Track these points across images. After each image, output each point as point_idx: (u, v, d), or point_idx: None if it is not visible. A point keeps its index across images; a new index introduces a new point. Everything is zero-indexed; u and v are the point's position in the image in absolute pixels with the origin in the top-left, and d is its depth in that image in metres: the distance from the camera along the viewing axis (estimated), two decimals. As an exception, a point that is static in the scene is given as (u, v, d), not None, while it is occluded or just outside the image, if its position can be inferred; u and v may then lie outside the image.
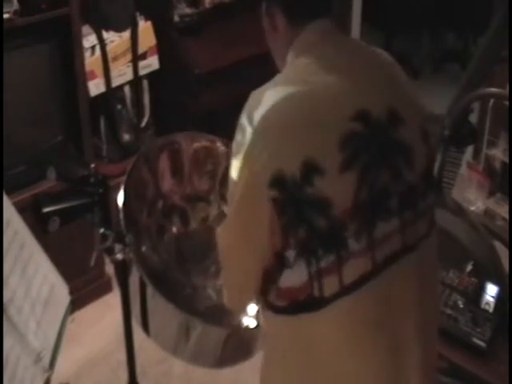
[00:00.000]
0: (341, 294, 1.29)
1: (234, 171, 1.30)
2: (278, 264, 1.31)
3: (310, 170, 1.24)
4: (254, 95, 1.32)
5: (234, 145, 1.31)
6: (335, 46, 1.38)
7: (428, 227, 1.40)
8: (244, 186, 1.29)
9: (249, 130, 1.28)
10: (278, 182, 1.24)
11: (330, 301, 1.29)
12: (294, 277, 1.29)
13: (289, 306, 1.33)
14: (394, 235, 1.32)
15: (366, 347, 1.34)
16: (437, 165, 2.03)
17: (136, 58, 3.28)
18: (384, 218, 1.30)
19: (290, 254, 1.27)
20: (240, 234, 1.34)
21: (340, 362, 1.35)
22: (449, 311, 1.86)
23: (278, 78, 1.35)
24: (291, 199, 1.25)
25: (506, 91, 2.34)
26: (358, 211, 1.27)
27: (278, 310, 1.36)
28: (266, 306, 1.38)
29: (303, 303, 1.31)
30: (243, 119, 1.30)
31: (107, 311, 2.97)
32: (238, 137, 1.30)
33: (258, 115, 1.28)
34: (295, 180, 1.23)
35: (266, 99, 1.30)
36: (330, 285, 1.28)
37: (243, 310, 1.51)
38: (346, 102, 1.30)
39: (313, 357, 1.36)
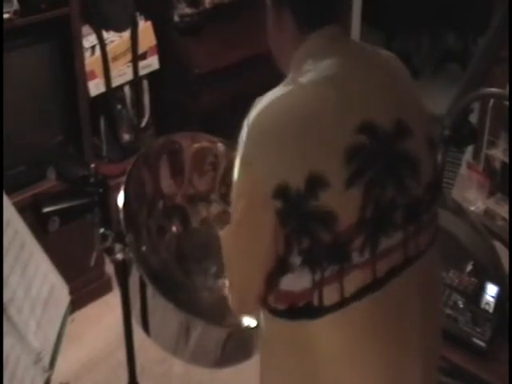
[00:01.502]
0: (340, 304, 1.28)
1: (236, 172, 1.29)
2: (281, 267, 1.30)
3: (315, 183, 1.22)
4: (258, 99, 1.31)
5: (238, 146, 1.30)
6: (343, 53, 1.34)
7: (432, 237, 1.39)
8: (248, 194, 1.27)
9: (245, 130, 1.27)
10: (281, 193, 1.22)
11: (329, 310, 1.28)
12: (295, 282, 1.29)
13: (287, 310, 1.32)
14: (397, 249, 1.30)
15: (364, 358, 1.33)
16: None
17: (136, 58, 3.28)
18: (388, 232, 1.28)
19: (295, 260, 1.26)
20: (244, 239, 1.33)
21: (337, 370, 1.34)
22: (449, 311, 1.86)
23: (283, 82, 1.33)
24: (295, 211, 1.23)
25: (506, 91, 2.34)
26: (363, 226, 1.25)
27: (276, 313, 1.35)
28: (266, 308, 1.38)
29: (302, 310, 1.30)
30: (245, 120, 1.29)
31: (107, 311, 2.97)
32: (239, 138, 1.30)
33: (253, 113, 1.27)
34: (300, 192, 1.22)
35: (264, 98, 1.29)
36: (331, 295, 1.27)
37: (248, 314, 1.49)
38: (352, 112, 1.27)
39: (310, 363, 1.35)
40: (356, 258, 1.26)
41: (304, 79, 1.30)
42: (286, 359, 1.39)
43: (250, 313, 1.47)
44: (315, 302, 1.28)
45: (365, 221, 1.25)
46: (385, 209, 1.27)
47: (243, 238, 1.33)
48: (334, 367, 1.33)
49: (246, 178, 1.27)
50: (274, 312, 1.35)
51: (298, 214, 1.23)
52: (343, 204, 1.24)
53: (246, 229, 1.31)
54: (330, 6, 1.35)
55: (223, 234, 1.38)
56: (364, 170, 1.24)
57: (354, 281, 1.27)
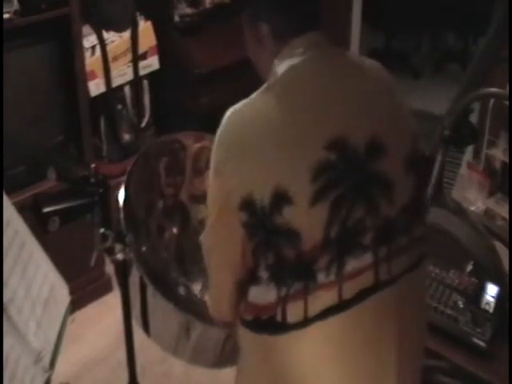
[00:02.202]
0: (304, 323, 1.26)
1: (210, 179, 1.30)
2: (250, 279, 1.30)
3: (280, 198, 1.20)
4: (231, 108, 1.30)
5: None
6: (320, 64, 1.30)
7: (413, 262, 1.34)
8: (219, 206, 1.28)
9: (216, 137, 1.28)
10: (247, 205, 1.22)
11: (292, 328, 1.27)
12: (261, 294, 1.29)
13: (253, 321, 1.33)
14: (366, 271, 1.26)
15: (329, 375, 1.30)
16: (437, 165, 2.03)
17: (136, 57, 3.28)
18: (355, 253, 1.25)
19: (263, 274, 1.27)
20: (216, 246, 1.34)
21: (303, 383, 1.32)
22: (449, 311, 1.86)
23: (258, 90, 1.30)
24: (260, 225, 1.22)
25: (506, 91, 2.33)
26: (328, 246, 1.22)
27: (244, 323, 1.36)
28: (237, 317, 1.39)
29: (265, 323, 1.30)
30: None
31: (107, 311, 2.97)
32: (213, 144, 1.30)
33: (224, 121, 1.28)
34: (264, 206, 1.20)
35: (235, 106, 1.29)
36: (294, 312, 1.26)
37: (225, 320, 1.46)
38: (322, 127, 1.23)
39: (277, 373, 1.34)
40: (321, 277, 1.24)
41: (276, 87, 1.28)
42: (256, 367, 1.40)
43: (226, 319, 1.44)
44: (278, 317, 1.27)
45: (330, 241, 1.22)
46: (352, 229, 1.23)
47: (215, 245, 1.34)
48: (300, 380, 1.31)
49: (217, 186, 1.28)
50: (242, 322, 1.36)
51: (262, 227, 1.22)
52: (307, 223, 1.21)
53: (218, 237, 1.32)
54: (307, 15, 1.33)
55: (201, 238, 1.39)
56: (330, 189, 1.21)
57: (318, 301, 1.25)
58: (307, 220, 1.21)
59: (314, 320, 1.26)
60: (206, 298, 1.49)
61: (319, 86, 1.27)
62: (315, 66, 1.29)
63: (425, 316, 1.53)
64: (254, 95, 1.30)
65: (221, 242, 1.32)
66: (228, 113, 1.29)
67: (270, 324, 1.29)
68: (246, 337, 1.39)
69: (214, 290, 1.42)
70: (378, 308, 1.30)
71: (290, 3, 1.32)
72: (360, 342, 1.30)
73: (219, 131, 1.29)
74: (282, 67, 1.30)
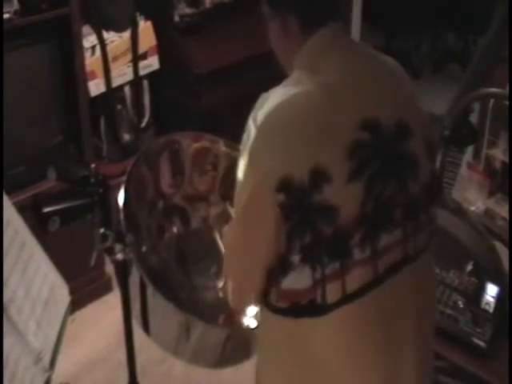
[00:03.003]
0: (343, 301, 1.29)
1: (241, 171, 1.30)
2: (282, 266, 1.30)
3: (319, 176, 1.23)
4: (262, 96, 1.32)
5: (242, 146, 1.31)
6: (346, 51, 1.36)
7: (427, 240, 1.39)
8: (251, 188, 1.28)
9: (253, 130, 1.28)
10: (285, 186, 1.23)
11: (332, 308, 1.29)
12: (297, 280, 1.29)
13: (290, 308, 1.33)
14: (397, 246, 1.32)
15: (363, 355, 1.34)
16: (437, 165, 2.03)
17: (136, 57, 3.28)
18: (388, 229, 1.29)
19: (295, 258, 1.27)
20: (245, 234, 1.34)
21: (336, 368, 1.34)
22: (449, 311, 1.86)
23: (287, 80, 1.34)
24: (298, 205, 1.24)
25: (506, 91, 2.33)
26: (364, 221, 1.26)
27: (278, 312, 1.35)
28: (266, 306, 1.38)
29: (305, 308, 1.30)
30: (249, 120, 1.30)
31: (107, 311, 2.97)
32: (244, 138, 1.30)
33: (261, 114, 1.28)
34: (303, 186, 1.22)
35: (271, 98, 1.30)
36: (333, 292, 1.28)
37: (244, 309, 1.50)
38: (355, 109, 1.28)
39: (308, 362, 1.35)
40: (357, 254, 1.27)
41: (310, 79, 1.31)
42: (284, 359, 1.40)
43: (247, 306, 1.48)
44: (318, 299, 1.28)
45: (365, 216, 1.26)
46: (385, 205, 1.28)
47: (245, 232, 1.34)
48: (334, 365, 1.34)
49: (251, 173, 1.28)
50: (277, 311, 1.35)
51: (301, 207, 1.24)
52: (345, 198, 1.25)
53: (249, 223, 1.32)
54: (329, 6, 1.37)
55: (227, 228, 1.39)
56: (365, 166, 1.25)
57: (356, 278, 1.28)
58: (345, 196, 1.25)
59: (353, 297, 1.29)
60: (226, 288, 1.47)
61: (348, 72, 1.33)
62: (342, 53, 1.35)
63: (435, 293, 1.61)
64: (285, 86, 1.32)
65: (252, 228, 1.32)
66: (261, 105, 1.30)
67: (310, 307, 1.30)
68: (274, 326, 1.39)
69: (240, 276, 1.41)
70: (403, 282, 1.35)
71: None
72: (388, 316, 1.35)
73: (256, 125, 1.29)
74: (309, 56, 1.34)
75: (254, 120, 1.29)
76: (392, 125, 1.29)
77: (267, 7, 1.37)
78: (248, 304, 1.48)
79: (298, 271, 1.28)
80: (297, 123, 1.27)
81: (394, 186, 1.29)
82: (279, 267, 1.30)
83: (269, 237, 1.27)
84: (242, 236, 1.34)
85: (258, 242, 1.31)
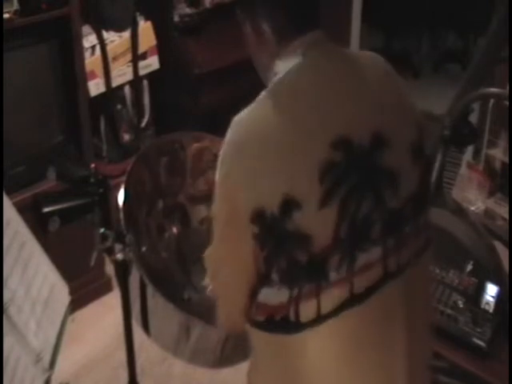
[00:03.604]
0: (317, 320, 1.26)
1: (216, 190, 1.29)
2: (261, 281, 1.30)
3: (290, 205, 1.19)
4: (236, 116, 1.29)
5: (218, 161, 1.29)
6: (322, 61, 1.30)
7: (422, 245, 1.35)
8: (224, 218, 1.28)
9: (223, 147, 1.27)
10: (258, 217, 1.22)
11: (305, 326, 1.27)
12: (273, 295, 1.28)
13: (265, 322, 1.32)
14: (376, 264, 1.27)
15: (345, 369, 1.31)
16: (437, 165, 2.03)
17: (136, 58, 3.28)
18: (365, 248, 1.25)
19: (275, 276, 1.26)
20: (226, 260, 1.34)
21: (320, 380, 1.32)
22: (449, 311, 1.86)
23: (260, 96, 1.29)
24: (271, 233, 1.22)
25: (506, 91, 2.33)
26: (339, 245, 1.23)
27: (256, 325, 1.35)
28: (248, 319, 1.38)
29: (279, 323, 1.29)
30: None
31: (107, 311, 2.97)
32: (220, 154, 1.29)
33: (229, 132, 1.26)
34: (274, 215, 1.20)
35: (240, 115, 1.27)
36: (307, 311, 1.26)
37: (238, 331, 1.44)
38: (326, 128, 1.23)
39: (293, 371, 1.34)
40: (333, 276, 1.24)
41: (276, 92, 1.27)
42: (269, 365, 1.40)
43: (240, 330, 1.42)
44: (291, 317, 1.27)
45: (340, 239, 1.22)
46: (360, 225, 1.24)
47: (226, 258, 1.34)
48: (317, 377, 1.32)
49: (223, 198, 1.27)
50: (254, 323, 1.35)
51: (274, 235, 1.22)
52: (317, 225, 1.21)
53: (227, 250, 1.32)
54: (307, 15, 1.32)
55: (207, 253, 1.38)
56: (337, 188, 1.21)
57: (330, 298, 1.25)
58: (317, 222, 1.21)
59: (327, 317, 1.26)
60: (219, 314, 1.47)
61: (320, 87, 1.27)
62: (315, 66, 1.29)
63: (430, 294, 1.56)
64: (255, 102, 1.28)
65: (231, 255, 1.31)
66: (232, 123, 1.28)
67: (283, 324, 1.28)
68: (257, 337, 1.39)
69: (226, 304, 1.41)
70: (387, 299, 1.30)
71: (290, 2, 1.31)
72: (372, 335, 1.31)
73: (225, 142, 1.28)
74: (282, 67, 1.29)
75: (225, 138, 1.27)
76: (366, 139, 1.23)
77: (242, 15, 1.34)
78: (239, 326, 1.42)
79: (277, 288, 1.27)
80: (259, 142, 1.24)
81: (370, 203, 1.24)
82: (258, 282, 1.30)
83: (249, 261, 1.28)
84: (224, 260, 1.34)
85: (239, 267, 1.31)
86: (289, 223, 1.20)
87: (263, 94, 1.29)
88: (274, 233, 1.22)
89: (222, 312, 1.44)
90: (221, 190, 1.28)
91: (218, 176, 1.29)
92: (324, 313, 1.26)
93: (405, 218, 1.30)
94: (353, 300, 1.26)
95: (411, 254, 1.33)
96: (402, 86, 1.38)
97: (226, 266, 1.34)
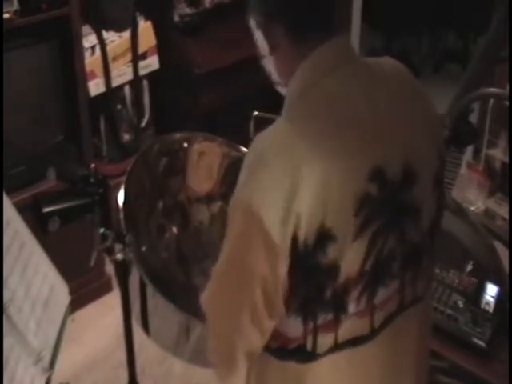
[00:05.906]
0: (333, 349, 1.25)
1: (234, 208, 1.20)
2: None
3: (324, 237, 1.14)
4: (256, 138, 1.20)
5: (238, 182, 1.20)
6: (350, 78, 1.21)
7: (430, 277, 1.36)
8: (248, 241, 1.18)
9: (245, 170, 1.18)
10: (291, 250, 1.15)
11: (321, 356, 1.25)
12: (288, 325, 1.24)
13: (279, 349, 1.28)
14: (393, 297, 1.27)
15: None
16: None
17: (136, 58, 3.28)
18: (386, 283, 1.24)
19: (293, 305, 1.21)
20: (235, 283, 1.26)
21: None
22: (449, 311, 1.86)
23: (286, 115, 1.21)
24: (302, 265, 1.16)
25: (506, 91, 2.33)
26: (362, 278, 1.21)
27: (267, 350, 1.29)
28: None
29: (293, 352, 1.26)
30: (245, 157, 1.20)
31: (107, 311, 2.97)
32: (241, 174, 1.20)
33: (252, 152, 1.18)
34: (308, 247, 1.14)
35: (264, 137, 1.19)
36: (325, 342, 1.24)
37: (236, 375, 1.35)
38: (366, 156, 1.16)
39: None
40: (352, 308, 1.22)
41: (309, 113, 1.19)
42: None
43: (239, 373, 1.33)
44: (308, 347, 1.24)
45: (364, 273, 1.20)
46: (384, 260, 1.22)
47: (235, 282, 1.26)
48: None
49: (248, 221, 1.16)
50: (266, 348, 1.29)
51: (304, 267, 1.17)
52: (348, 257, 1.18)
53: (239, 274, 1.24)
54: (327, 16, 1.24)
55: (203, 296, 1.30)
56: (370, 222, 1.17)
57: (350, 330, 1.24)
58: (349, 254, 1.18)
59: (344, 347, 1.24)
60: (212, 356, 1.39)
61: (353, 110, 1.19)
62: (346, 86, 1.21)
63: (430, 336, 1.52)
64: (281, 122, 1.20)
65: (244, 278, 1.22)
66: (256, 144, 1.19)
67: (298, 352, 1.25)
68: (268, 364, 1.32)
69: (229, 333, 1.29)
70: (401, 329, 1.30)
71: (302, 1, 1.23)
72: (384, 361, 1.31)
73: (248, 161, 1.19)
74: (308, 75, 1.21)
75: (248, 159, 1.18)
76: (398, 171, 1.19)
77: (253, 18, 1.26)
78: (241, 367, 1.31)
79: (290, 318, 1.22)
80: (310, 184, 1.12)
81: (395, 238, 1.22)
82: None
83: (261, 285, 1.18)
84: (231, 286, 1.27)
85: (249, 292, 1.20)
86: (322, 256, 1.15)
87: (291, 112, 1.21)
88: (305, 264, 1.16)
89: (219, 352, 1.36)
90: (244, 208, 1.17)
91: (241, 195, 1.19)
92: (341, 341, 1.24)
93: (424, 251, 1.30)
94: (371, 334, 1.26)
95: (426, 283, 1.33)
96: (427, 98, 1.33)
97: (245, 290, 1.23)
